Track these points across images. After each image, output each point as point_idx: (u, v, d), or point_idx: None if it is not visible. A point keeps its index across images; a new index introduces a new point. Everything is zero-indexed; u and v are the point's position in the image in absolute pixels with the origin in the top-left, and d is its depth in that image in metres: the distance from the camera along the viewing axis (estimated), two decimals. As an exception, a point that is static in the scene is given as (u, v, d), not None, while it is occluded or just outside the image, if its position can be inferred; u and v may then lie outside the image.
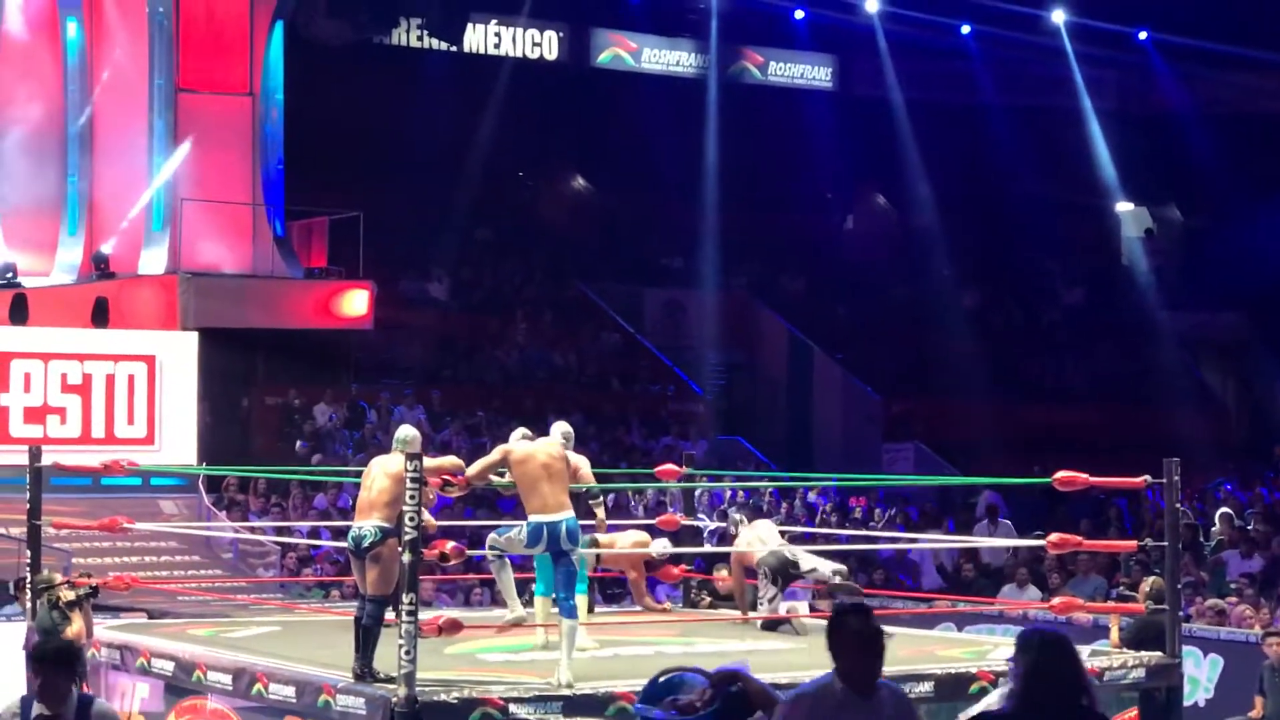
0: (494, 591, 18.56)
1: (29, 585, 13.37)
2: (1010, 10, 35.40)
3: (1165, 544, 12.33)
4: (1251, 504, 25.55)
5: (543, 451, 11.60)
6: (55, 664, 8.32)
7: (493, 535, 12.12)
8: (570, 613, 11.16)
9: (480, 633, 13.00)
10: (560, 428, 12.64)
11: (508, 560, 12.78)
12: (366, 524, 10.96)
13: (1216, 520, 23.67)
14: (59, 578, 13.12)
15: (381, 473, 11.09)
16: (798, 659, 12.48)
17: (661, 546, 14.51)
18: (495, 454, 11.82)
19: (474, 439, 26.41)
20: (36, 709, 8.28)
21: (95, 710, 8.46)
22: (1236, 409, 36.96)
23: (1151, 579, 13.15)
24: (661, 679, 7.93)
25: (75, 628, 12.58)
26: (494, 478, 12.25)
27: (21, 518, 14.76)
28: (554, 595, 11.54)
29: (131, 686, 13.12)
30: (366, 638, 10.86)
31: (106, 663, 13.16)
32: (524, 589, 13.39)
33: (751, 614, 14.50)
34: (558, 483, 11.47)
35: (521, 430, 12.16)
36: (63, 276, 25.19)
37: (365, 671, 10.78)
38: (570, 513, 11.48)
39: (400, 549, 10.50)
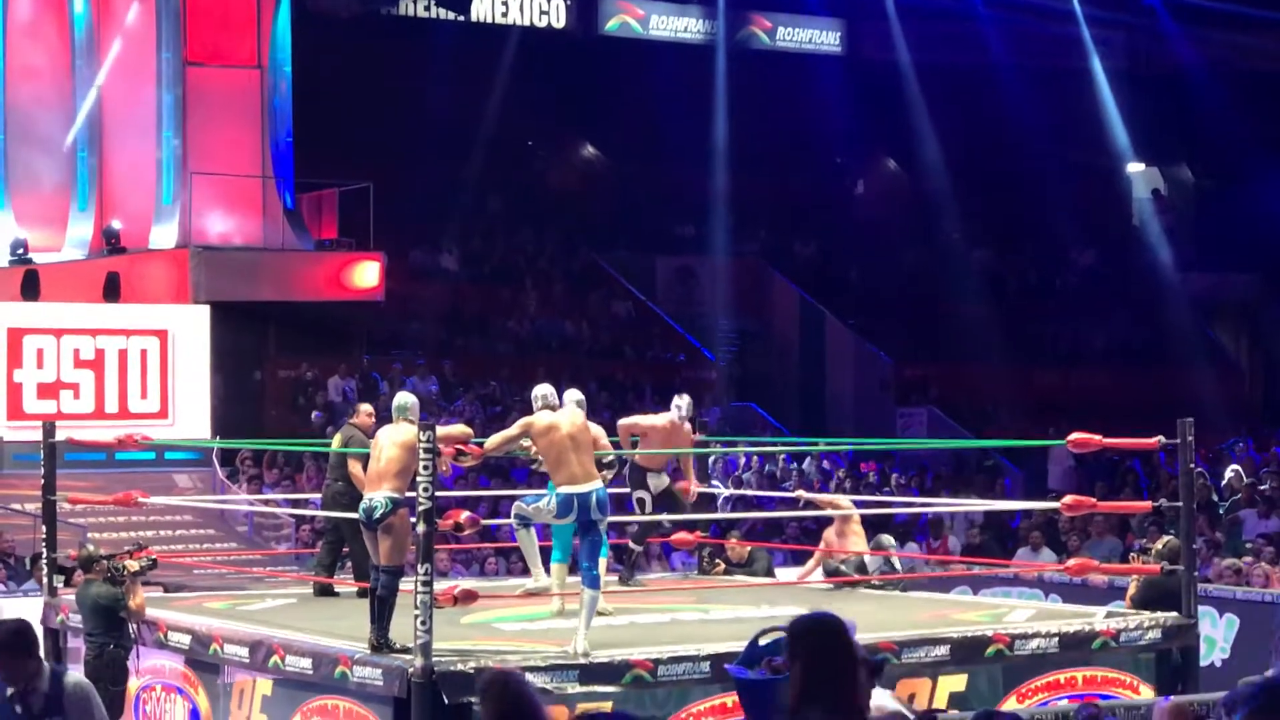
0: (510, 561, 18.61)
1: (78, 562, 13.38)
2: (1018, -29, 35.34)
3: (1180, 504, 12.32)
4: (1267, 463, 25.50)
5: (567, 422, 11.41)
6: (7, 649, 8.22)
7: (519, 504, 12.04)
8: (593, 583, 11.10)
9: (496, 602, 13.01)
10: (573, 395, 12.56)
11: (533, 529, 12.74)
12: (377, 495, 10.94)
13: (1226, 476, 23.60)
14: (104, 553, 13.17)
15: (390, 442, 11.04)
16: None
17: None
18: (515, 428, 11.68)
19: (488, 409, 26.43)
20: (8, 690, 8.22)
21: (68, 682, 8.42)
22: (1250, 369, 36.91)
23: (1165, 539, 13.13)
24: (763, 641, 7.73)
25: (139, 599, 12.67)
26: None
27: (36, 493, 14.81)
28: (579, 564, 11.44)
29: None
30: (382, 609, 10.86)
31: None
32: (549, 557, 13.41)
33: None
34: (585, 453, 11.34)
35: (544, 390, 11.79)
36: (74, 252, 25.21)
37: (382, 643, 10.79)
38: (599, 482, 11.37)
39: (414, 519, 10.50)
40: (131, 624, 12.79)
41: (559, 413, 11.55)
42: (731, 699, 10.68)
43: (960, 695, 11.55)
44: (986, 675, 11.78)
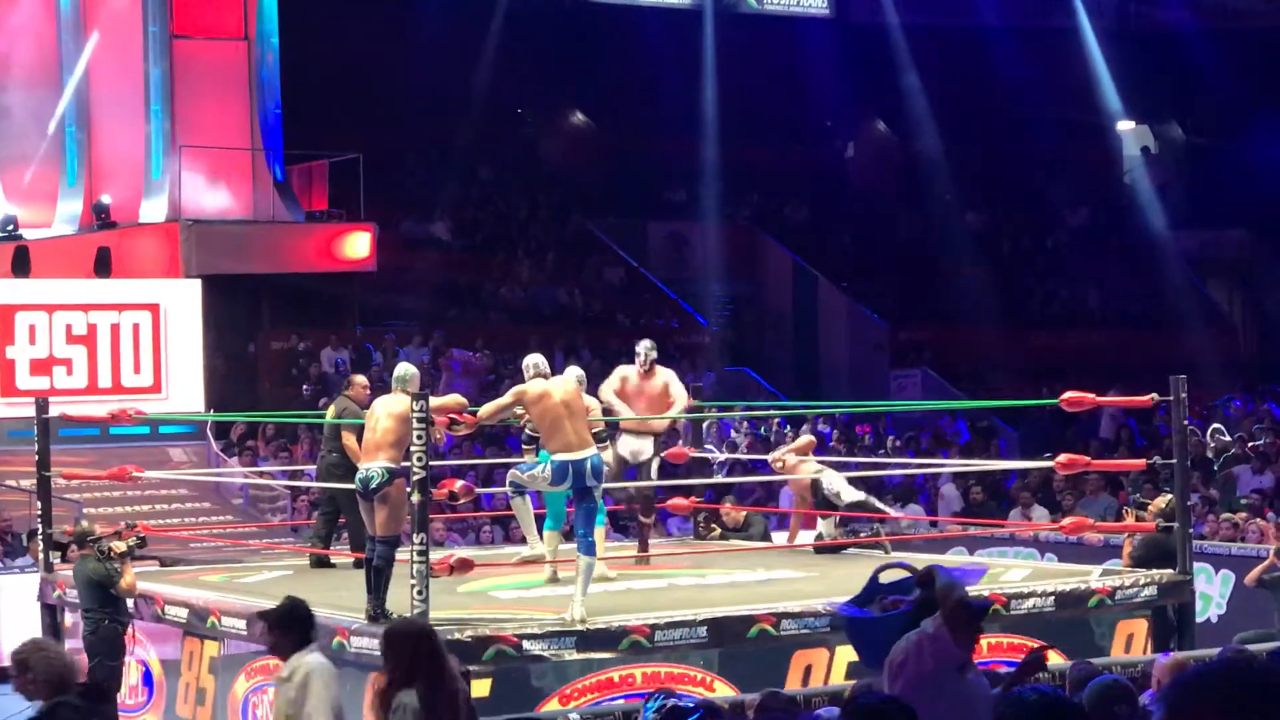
0: (508, 529, 18.62)
1: (73, 538, 13.42)
2: (1006, -70, 35.25)
3: (1174, 462, 12.34)
4: (1260, 420, 25.54)
5: (559, 389, 11.39)
6: None
7: (514, 471, 11.98)
8: (589, 549, 11.07)
9: (492, 571, 13.02)
10: (573, 371, 12.56)
11: (528, 496, 12.70)
12: (373, 465, 10.93)
13: (1210, 436, 23.62)
14: (99, 529, 13.19)
15: (385, 413, 11.02)
16: (810, 587, 12.51)
17: None
18: (509, 396, 11.65)
19: (482, 378, 26.41)
20: None
21: None
22: (1244, 326, 36.92)
23: (1166, 497, 13.14)
24: (884, 579, 7.34)
25: (129, 579, 12.70)
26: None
27: (31, 469, 14.81)
28: (574, 531, 11.42)
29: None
30: (379, 579, 10.86)
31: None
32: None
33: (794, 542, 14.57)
34: (579, 419, 11.30)
35: (535, 359, 11.84)
36: (64, 227, 25.16)
37: (379, 613, 10.80)
38: (594, 449, 11.34)
39: (409, 489, 10.50)
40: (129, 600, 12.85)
41: (552, 380, 11.56)
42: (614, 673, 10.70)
43: (859, 665, 11.36)
44: None
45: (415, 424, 10.43)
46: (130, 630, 12.81)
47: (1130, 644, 12.07)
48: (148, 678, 13.25)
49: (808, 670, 11.27)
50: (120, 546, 12.73)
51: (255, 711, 11.96)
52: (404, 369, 11.45)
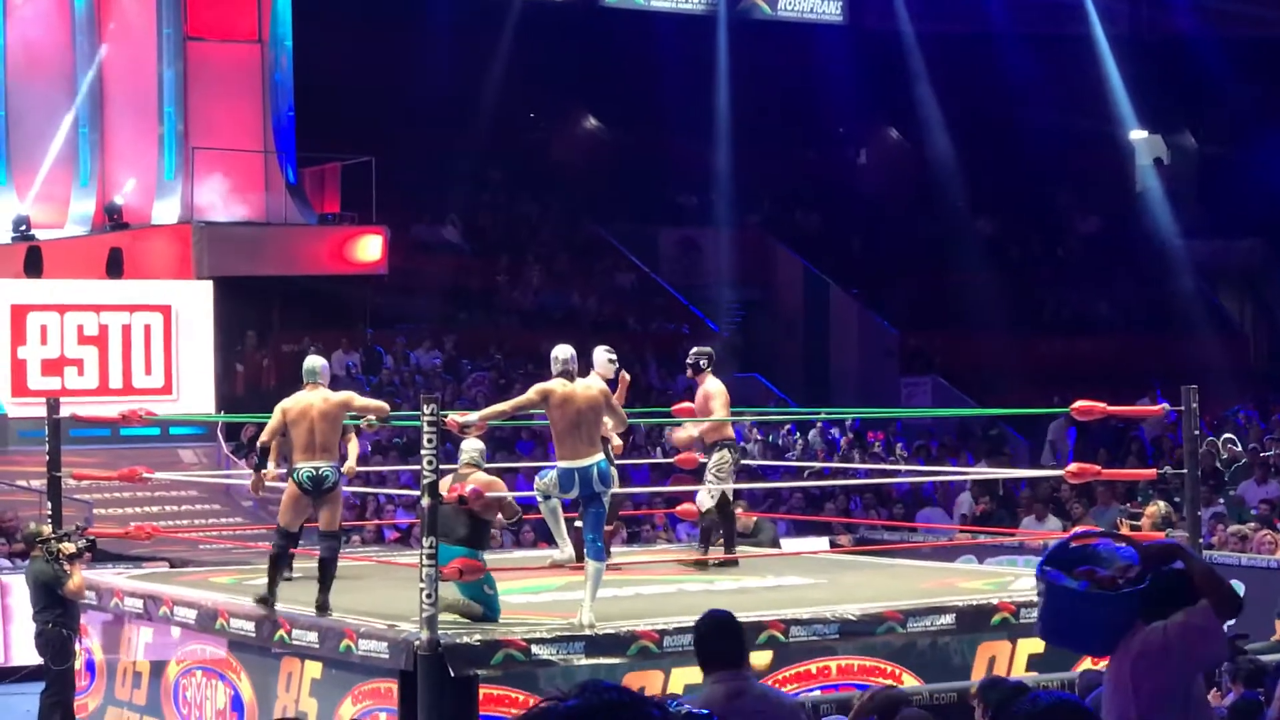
0: (517, 533, 18.62)
1: (22, 537, 13.53)
2: (1020, -62, 35.24)
3: (1185, 472, 12.31)
4: (1270, 430, 25.48)
5: (582, 396, 11.07)
6: None
7: (537, 479, 11.94)
8: (598, 555, 11.03)
9: (501, 574, 12.99)
10: (604, 354, 12.39)
11: (557, 502, 12.55)
12: (324, 464, 11.34)
13: (1221, 446, 23.55)
14: (46, 529, 13.22)
15: (319, 415, 11.39)
16: (817, 594, 12.51)
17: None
18: (532, 393, 11.19)
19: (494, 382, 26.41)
20: None
21: None
22: (1255, 335, 36.88)
23: (1155, 505, 13.11)
24: (1074, 544, 6.44)
25: (76, 580, 12.72)
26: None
27: (41, 470, 14.82)
28: (583, 537, 11.34)
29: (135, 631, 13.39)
30: (327, 572, 11.36)
31: (130, 612, 13.24)
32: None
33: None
34: (593, 427, 11.11)
35: (567, 354, 11.18)
36: (76, 228, 25.19)
37: (326, 605, 11.25)
38: (600, 455, 11.13)
39: (419, 493, 10.52)
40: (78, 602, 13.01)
41: (577, 382, 11.20)
42: None
43: (698, 685, 11.16)
44: None
45: (426, 427, 10.43)
46: (79, 632, 13.06)
47: (993, 665, 11.70)
48: (90, 665, 13.78)
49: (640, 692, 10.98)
50: (69, 548, 12.74)
51: (185, 694, 12.64)
52: (313, 362, 11.76)
